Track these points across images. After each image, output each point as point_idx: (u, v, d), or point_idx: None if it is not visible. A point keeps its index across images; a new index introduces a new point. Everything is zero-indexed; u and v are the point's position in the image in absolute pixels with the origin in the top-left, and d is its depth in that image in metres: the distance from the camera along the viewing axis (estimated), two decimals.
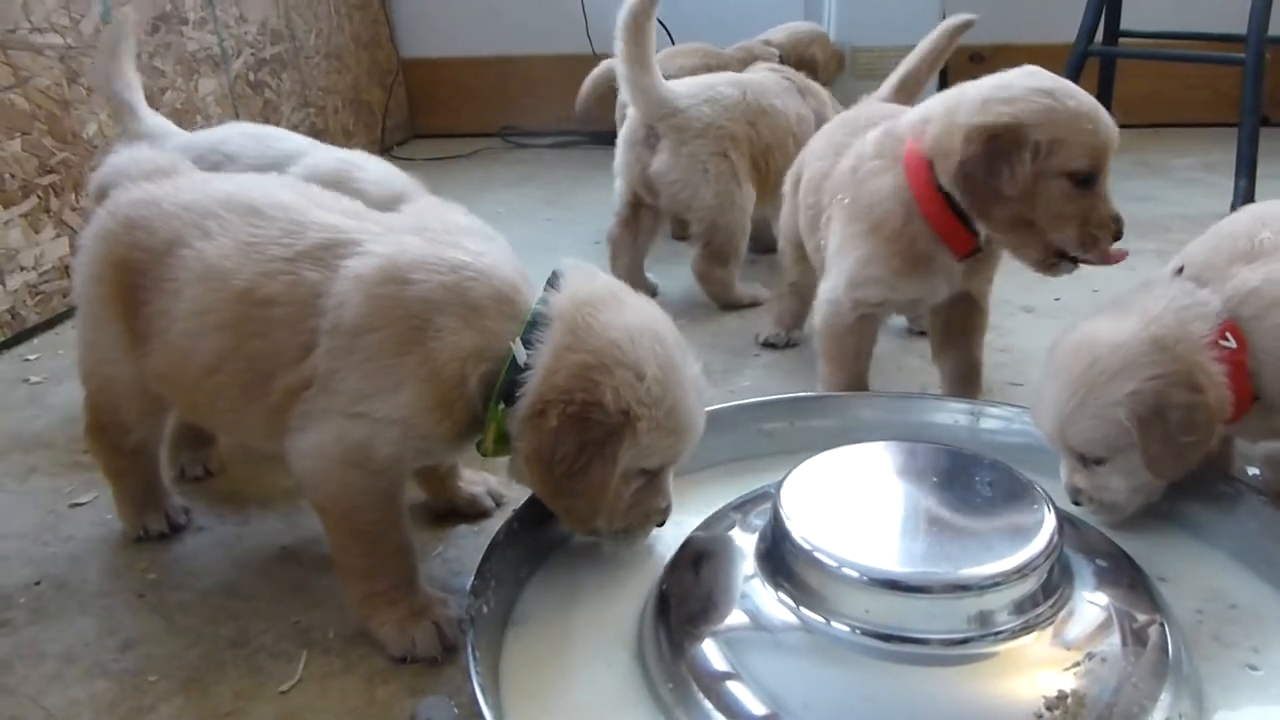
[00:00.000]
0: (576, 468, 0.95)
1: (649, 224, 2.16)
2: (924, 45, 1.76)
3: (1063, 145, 1.23)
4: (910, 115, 1.38)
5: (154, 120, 1.77)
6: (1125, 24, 3.08)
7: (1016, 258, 1.35)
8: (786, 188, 1.75)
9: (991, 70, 2.20)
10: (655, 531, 1.10)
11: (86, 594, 1.18)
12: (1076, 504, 1.18)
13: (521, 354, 0.97)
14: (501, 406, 0.98)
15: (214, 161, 1.55)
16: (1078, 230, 1.27)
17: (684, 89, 2.04)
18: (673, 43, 3.56)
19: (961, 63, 3.39)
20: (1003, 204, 1.25)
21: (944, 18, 2.92)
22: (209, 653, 1.07)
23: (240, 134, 1.64)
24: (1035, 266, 1.33)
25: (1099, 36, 2.98)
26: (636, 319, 1.00)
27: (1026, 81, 1.28)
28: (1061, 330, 1.20)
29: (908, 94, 1.77)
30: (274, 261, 1.03)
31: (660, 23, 3.54)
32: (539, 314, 0.99)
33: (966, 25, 1.73)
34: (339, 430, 0.99)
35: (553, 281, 1.02)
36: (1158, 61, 3.18)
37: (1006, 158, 1.22)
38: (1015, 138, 1.22)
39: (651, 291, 2.21)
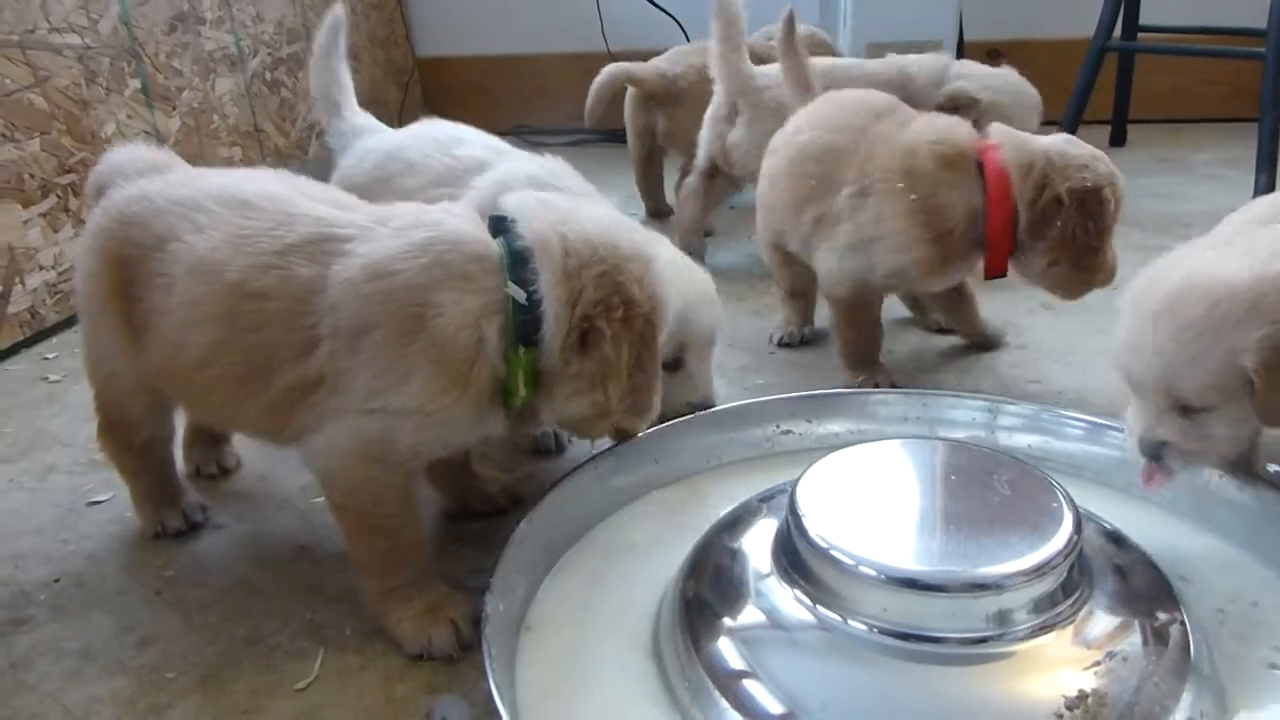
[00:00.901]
0: (635, 364, 1.01)
1: (719, 190, 2.32)
2: (782, 51, 1.87)
3: (1116, 205, 1.45)
4: (1004, 148, 1.47)
5: (357, 119, 1.76)
6: (1144, 19, 3.04)
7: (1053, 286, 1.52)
8: (763, 187, 1.72)
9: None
10: (672, 527, 1.10)
11: (105, 591, 1.19)
12: (1155, 459, 1.10)
13: (519, 294, 0.99)
14: (522, 350, 1.00)
15: (392, 170, 1.52)
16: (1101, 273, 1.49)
17: (763, 72, 2.16)
18: (687, 39, 3.56)
19: (979, 58, 3.37)
20: (1094, 254, 1.45)
21: (960, 14, 2.91)
22: (226, 650, 1.08)
23: (425, 139, 1.58)
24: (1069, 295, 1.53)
25: (1118, 32, 2.95)
26: (604, 215, 1.07)
27: (1083, 149, 1.47)
28: (1153, 267, 1.12)
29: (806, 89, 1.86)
30: (264, 255, 1.04)
31: (675, 20, 3.55)
32: (522, 250, 1.00)
33: (792, 16, 1.88)
34: (354, 427, 1.00)
35: (509, 219, 1.04)
36: (1177, 56, 3.15)
37: (1095, 216, 1.43)
38: (1099, 198, 1.43)
39: (700, 256, 2.29)
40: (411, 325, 0.97)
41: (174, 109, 2.50)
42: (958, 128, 1.52)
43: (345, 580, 1.16)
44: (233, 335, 1.04)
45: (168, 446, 1.31)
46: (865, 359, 1.61)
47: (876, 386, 1.56)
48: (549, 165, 1.45)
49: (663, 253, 1.13)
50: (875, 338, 1.63)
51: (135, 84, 2.33)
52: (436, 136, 1.57)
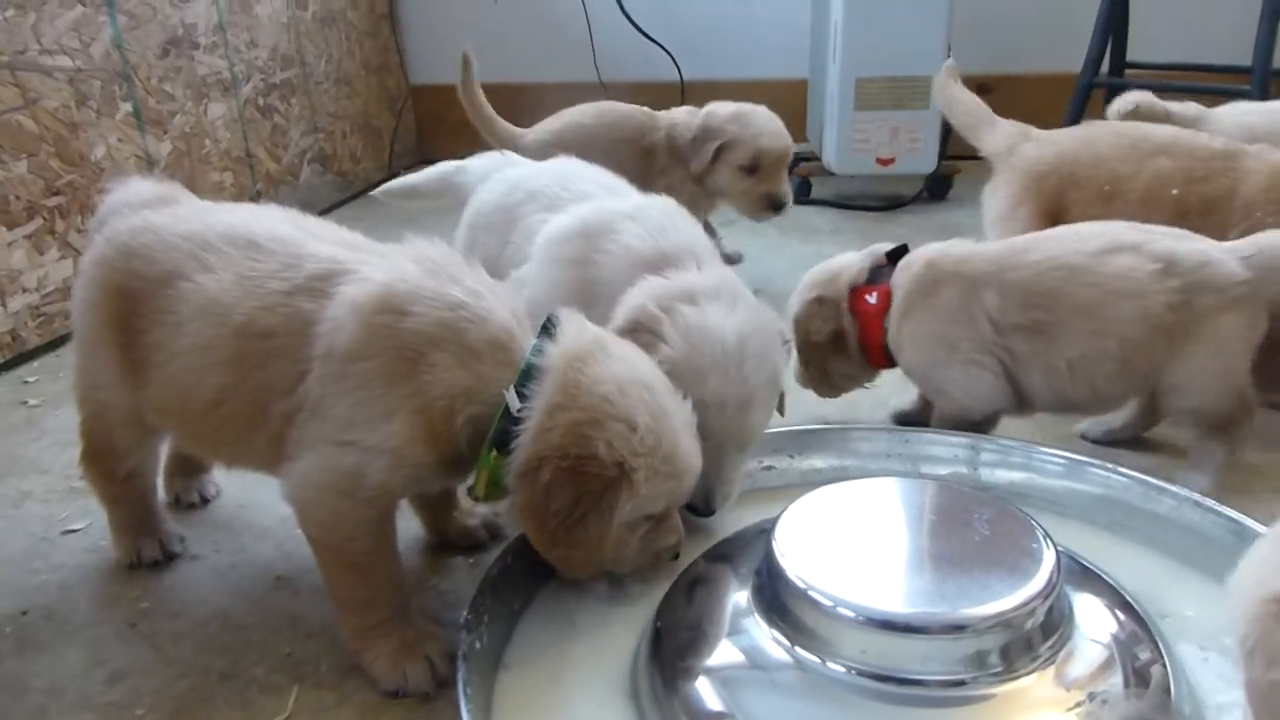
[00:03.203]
0: (573, 520, 0.94)
1: None
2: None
3: None
4: None
5: (485, 165, 1.77)
6: (1131, 55, 3.08)
7: None
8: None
9: (997, 100, 2.20)
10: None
11: (76, 624, 1.17)
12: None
13: (515, 403, 0.96)
14: (494, 454, 0.97)
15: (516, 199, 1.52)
16: None
17: None
18: (679, 71, 3.59)
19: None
20: None
21: (949, 49, 2.94)
22: (199, 685, 1.06)
23: (546, 173, 1.57)
24: None
25: (1105, 68, 2.98)
26: (624, 370, 0.99)
27: None
28: None
29: None
30: (272, 295, 1.03)
31: (666, 51, 3.58)
32: (533, 365, 0.98)
33: None
34: (327, 459, 0.99)
35: (548, 331, 1.02)
36: (1163, 93, 3.18)
37: None
38: None
39: None
40: (403, 369, 0.96)
41: (165, 133, 2.50)
42: None
43: (323, 614, 1.14)
44: (241, 376, 1.04)
45: (152, 476, 1.30)
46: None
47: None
48: (643, 205, 1.39)
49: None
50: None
51: (126, 107, 2.33)
52: (558, 171, 1.57)
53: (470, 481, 1.02)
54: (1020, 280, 1.35)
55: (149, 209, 1.18)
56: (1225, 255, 1.33)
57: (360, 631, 1.05)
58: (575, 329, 1.03)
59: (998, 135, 1.83)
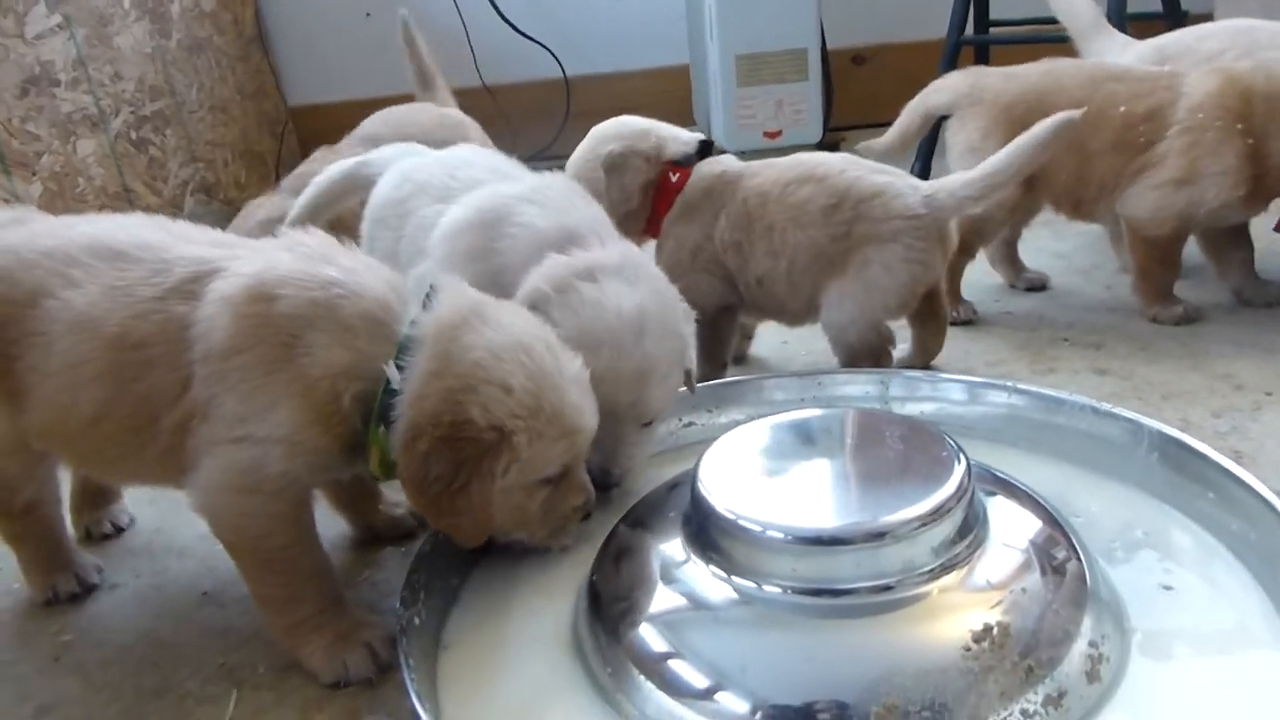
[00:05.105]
0: (455, 487, 0.94)
1: None
2: None
3: None
4: None
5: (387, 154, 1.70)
6: (994, 14, 3.20)
7: None
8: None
9: (872, 69, 2.26)
10: (583, 526, 1.09)
11: None
12: None
13: (395, 376, 0.96)
14: (382, 430, 0.97)
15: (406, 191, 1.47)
16: None
17: None
18: (562, 69, 3.60)
19: (845, 65, 3.50)
20: None
21: (821, 23, 3.03)
22: (132, 706, 1.03)
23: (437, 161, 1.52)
24: None
25: (970, 29, 3.10)
26: (499, 335, 0.98)
27: None
28: None
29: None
30: (144, 303, 1.00)
31: (547, 49, 3.59)
32: (409, 338, 0.98)
33: None
34: (224, 458, 0.97)
35: (427, 301, 1.02)
36: (1027, 45, 3.31)
37: None
38: None
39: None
40: (280, 354, 0.95)
41: (33, 174, 2.40)
42: None
43: (255, 621, 1.12)
44: (120, 389, 1.01)
45: (53, 507, 1.25)
46: (1167, 292, 1.77)
47: (1179, 316, 1.74)
48: (540, 185, 1.35)
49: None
50: (1178, 271, 1.77)
51: None
52: (447, 160, 1.51)
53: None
54: (736, 203, 1.51)
55: (3, 229, 1.13)
56: (907, 191, 1.43)
57: (290, 629, 1.03)
58: (452, 297, 1.02)
59: (944, 92, 1.90)
